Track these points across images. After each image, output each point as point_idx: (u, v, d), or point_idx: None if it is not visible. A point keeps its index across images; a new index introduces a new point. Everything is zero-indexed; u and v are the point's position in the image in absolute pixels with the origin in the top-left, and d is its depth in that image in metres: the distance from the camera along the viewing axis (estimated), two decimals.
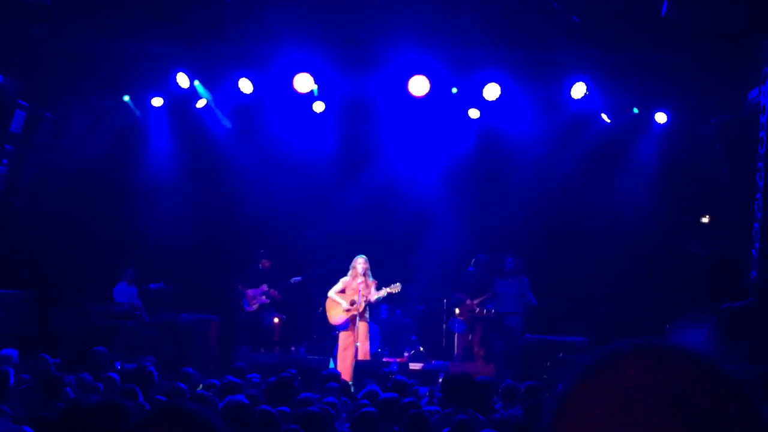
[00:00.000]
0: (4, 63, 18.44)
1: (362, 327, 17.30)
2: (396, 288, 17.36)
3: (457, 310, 19.55)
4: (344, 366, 16.87)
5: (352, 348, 17.12)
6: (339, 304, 17.42)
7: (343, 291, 17.48)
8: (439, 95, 19.43)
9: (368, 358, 17.47)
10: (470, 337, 19.51)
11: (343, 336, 17.46)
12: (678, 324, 16.51)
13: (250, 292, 20.26)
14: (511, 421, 9.04)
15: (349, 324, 17.29)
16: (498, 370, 17.39)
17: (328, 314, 17.73)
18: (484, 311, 19.29)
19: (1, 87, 18.61)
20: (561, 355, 17.32)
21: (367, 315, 17.51)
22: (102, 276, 19.73)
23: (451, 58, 18.59)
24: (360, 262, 17.37)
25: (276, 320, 20.16)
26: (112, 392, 10.09)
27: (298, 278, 20.42)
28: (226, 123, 21.22)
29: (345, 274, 17.58)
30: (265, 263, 20.45)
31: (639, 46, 17.77)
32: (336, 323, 17.56)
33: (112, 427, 3.76)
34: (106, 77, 19.38)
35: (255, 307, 20.23)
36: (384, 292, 17.31)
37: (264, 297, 20.26)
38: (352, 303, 17.16)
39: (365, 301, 17.22)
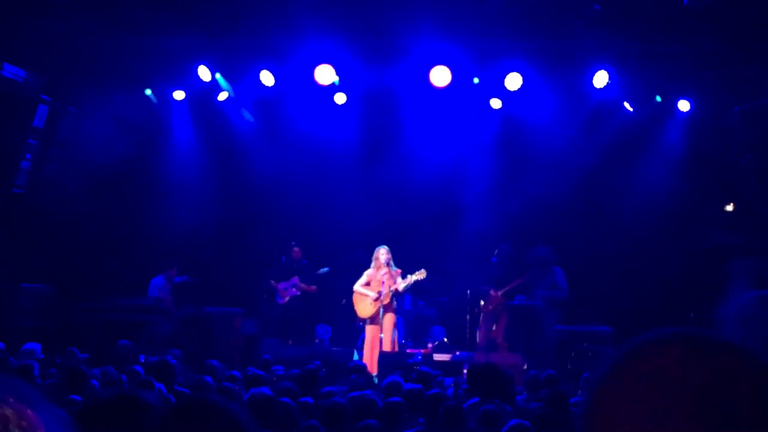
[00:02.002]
0: (26, 59, 18.50)
1: (389, 318, 17.29)
2: (421, 274, 17.30)
3: (482, 302, 19.51)
4: (370, 358, 16.86)
5: (378, 340, 17.12)
6: (366, 296, 17.40)
7: (368, 284, 17.46)
8: (460, 86, 19.38)
9: (395, 349, 17.45)
10: (494, 328, 19.47)
11: (369, 328, 17.46)
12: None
13: (281, 285, 20.33)
14: (536, 412, 9.02)
15: (375, 316, 17.28)
16: (523, 360, 17.39)
17: (356, 308, 17.73)
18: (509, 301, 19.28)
19: (24, 82, 18.67)
20: (585, 345, 17.25)
21: (394, 305, 17.49)
22: (126, 270, 19.78)
23: (472, 48, 18.52)
24: (382, 253, 17.35)
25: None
26: (132, 385, 10.11)
27: (326, 269, 20.47)
28: (249, 117, 21.23)
29: (368, 266, 17.56)
30: (297, 252, 20.53)
31: (661, 35, 17.67)
32: (365, 316, 17.54)
33: (131, 419, 3.76)
34: (128, 71, 19.40)
35: (286, 299, 20.30)
36: (411, 279, 17.26)
37: (294, 289, 20.32)
38: (379, 294, 17.14)
39: (392, 291, 17.21)
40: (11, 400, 1.39)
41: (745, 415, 1.37)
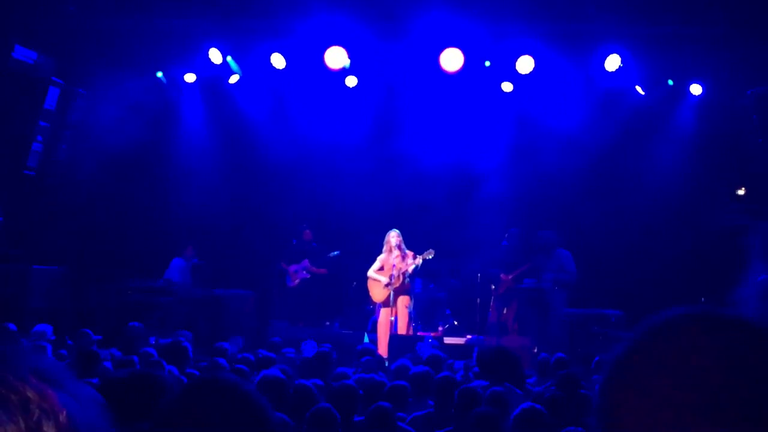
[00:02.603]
0: (38, 40, 18.51)
1: (402, 301, 17.35)
2: (430, 254, 17.35)
3: (492, 285, 19.51)
4: (382, 341, 16.90)
5: (389, 323, 17.16)
6: (379, 281, 17.44)
7: (381, 268, 17.51)
8: (472, 68, 19.34)
9: (410, 331, 17.48)
10: (505, 311, 19.47)
11: (382, 311, 17.51)
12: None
13: (292, 267, 20.37)
14: (546, 395, 9.03)
15: (388, 299, 17.32)
16: (533, 344, 17.40)
17: (370, 293, 17.78)
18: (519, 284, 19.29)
19: (36, 64, 18.68)
20: (596, 328, 17.25)
21: (407, 287, 17.53)
22: (137, 252, 19.82)
23: (484, 31, 18.47)
24: (393, 236, 17.40)
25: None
26: (144, 366, 10.13)
27: (336, 252, 20.50)
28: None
29: (379, 250, 17.60)
30: (308, 235, 20.57)
31: (674, 18, 17.61)
32: (379, 301, 17.60)
33: (147, 398, 3.77)
34: (139, 53, 19.39)
35: (296, 282, 20.34)
36: (419, 259, 17.31)
37: (305, 272, 20.35)
38: (391, 278, 17.19)
39: (401, 273, 17.24)
40: (33, 380, 1.39)
41: (765, 391, 1.37)
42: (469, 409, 7.96)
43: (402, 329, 17.19)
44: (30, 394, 1.36)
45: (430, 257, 17.41)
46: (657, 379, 1.42)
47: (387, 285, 17.24)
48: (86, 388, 1.52)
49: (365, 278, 17.91)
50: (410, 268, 17.34)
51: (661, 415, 1.39)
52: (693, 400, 1.37)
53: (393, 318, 17.20)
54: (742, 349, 1.40)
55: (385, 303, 17.37)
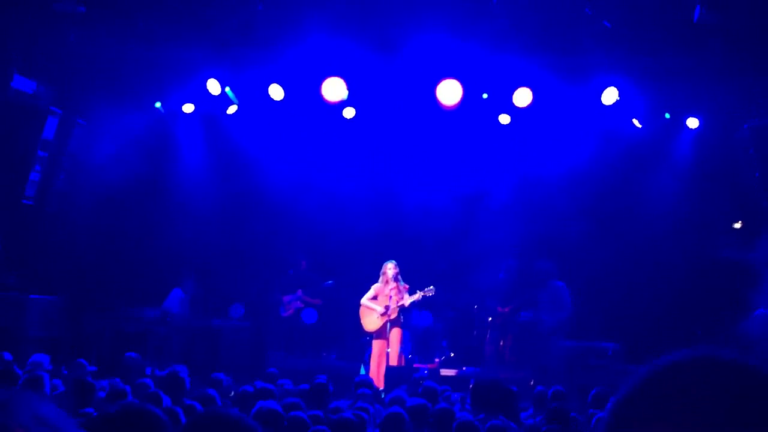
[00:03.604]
0: (37, 70, 18.55)
1: (395, 333, 17.32)
2: (430, 291, 17.34)
3: (489, 317, 19.50)
4: (377, 372, 16.86)
5: (385, 354, 17.13)
6: (373, 311, 17.43)
7: (375, 297, 17.49)
8: (470, 101, 19.37)
9: (402, 363, 17.45)
10: (501, 343, 19.46)
11: (376, 342, 17.47)
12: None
13: (286, 298, 20.35)
14: (542, 428, 9.02)
15: (382, 330, 17.29)
16: (530, 376, 17.37)
17: (362, 322, 17.75)
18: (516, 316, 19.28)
19: (35, 94, 18.71)
20: (593, 361, 17.23)
21: (401, 320, 17.51)
22: (134, 282, 19.81)
23: (481, 62, 18.52)
24: (390, 267, 17.40)
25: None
26: (140, 398, 10.11)
27: (330, 282, 20.49)
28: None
29: (375, 281, 17.59)
30: (303, 264, 20.57)
31: (671, 51, 17.68)
32: (371, 330, 17.57)
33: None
34: (138, 84, 19.46)
35: (291, 312, 20.32)
36: (418, 295, 17.30)
37: (299, 302, 20.34)
38: (386, 309, 17.17)
39: (399, 306, 17.23)
40: (36, 427, 1.39)
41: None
42: None
43: (395, 361, 17.15)
44: None
45: (431, 294, 17.41)
46: (658, 422, 1.43)
47: (382, 314, 17.22)
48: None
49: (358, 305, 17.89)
50: (407, 302, 17.32)
51: None
52: None
53: (388, 350, 17.18)
54: (743, 393, 1.41)
55: (379, 334, 17.34)
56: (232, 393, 12.00)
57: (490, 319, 19.45)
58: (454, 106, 19.12)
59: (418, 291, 17.31)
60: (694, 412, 1.41)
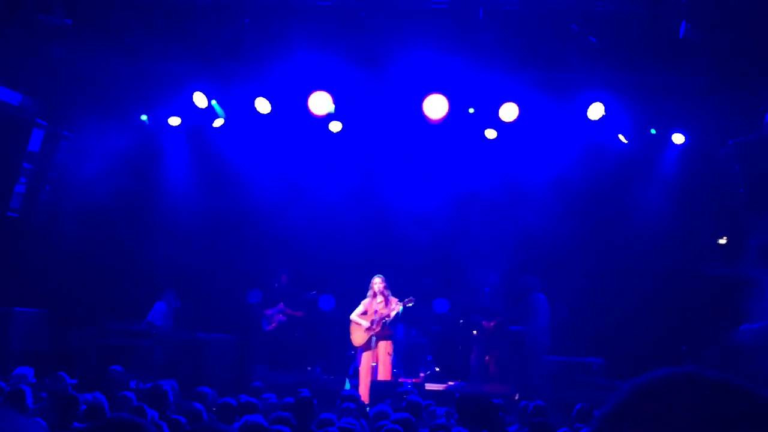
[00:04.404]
0: (23, 82, 18.54)
1: (382, 346, 17.34)
2: (410, 302, 17.45)
3: (474, 332, 19.51)
4: (363, 386, 16.86)
5: (370, 368, 17.13)
6: (360, 325, 17.46)
7: (365, 313, 17.52)
8: (456, 115, 19.39)
9: (389, 377, 17.44)
10: (487, 358, 19.47)
11: (363, 356, 17.48)
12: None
13: (268, 311, 20.32)
14: None
15: (369, 344, 17.30)
16: (515, 390, 17.38)
17: (351, 337, 17.77)
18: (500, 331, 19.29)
19: (20, 106, 18.70)
20: (577, 376, 17.25)
21: (389, 333, 17.52)
22: (119, 295, 19.75)
23: (468, 79, 18.55)
24: (377, 282, 17.44)
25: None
26: (124, 411, 10.06)
27: (313, 293, 20.48)
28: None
29: (362, 295, 17.61)
30: (284, 278, 20.55)
31: (656, 68, 17.74)
32: (358, 345, 17.59)
33: None
34: (124, 96, 19.45)
35: (273, 326, 20.29)
36: (399, 306, 17.33)
37: (281, 315, 20.31)
38: (372, 323, 17.19)
39: (380, 319, 17.24)
40: None
41: None
42: None
43: (382, 375, 17.15)
44: None
45: (411, 305, 17.47)
46: None
47: (367, 329, 17.24)
48: None
49: (347, 322, 17.88)
50: (392, 314, 17.35)
51: None
52: None
53: (374, 364, 17.18)
54: (726, 412, 1.42)
55: (366, 347, 17.34)
56: (215, 408, 11.96)
57: (475, 333, 19.45)
58: (440, 120, 19.14)
59: (398, 303, 17.36)
60: (676, 430, 1.41)
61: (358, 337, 17.58)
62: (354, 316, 17.65)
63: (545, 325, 18.63)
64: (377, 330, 17.23)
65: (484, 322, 19.33)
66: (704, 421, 1.41)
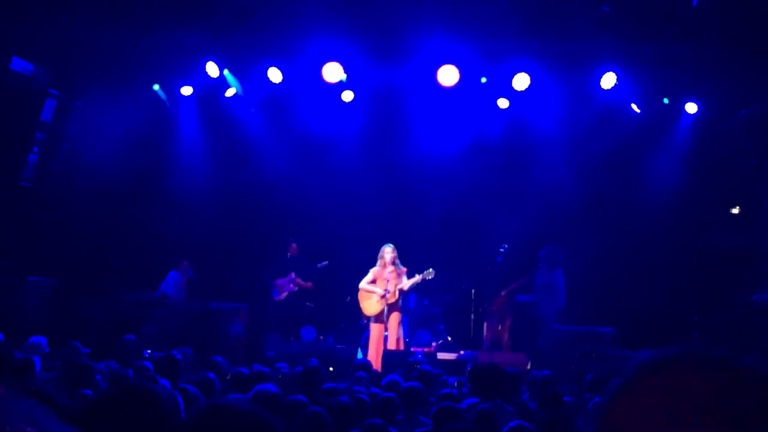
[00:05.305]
0: (35, 52, 18.52)
1: (394, 316, 17.29)
2: (430, 274, 17.28)
3: (486, 302, 19.51)
4: (375, 356, 16.85)
5: (383, 338, 17.13)
6: (371, 294, 17.37)
7: (373, 281, 17.45)
8: (468, 85, 19.36)
9: (401, 347, 17.44)
10: (499, 327, 19.47)
11: (374, 326, 17.44)
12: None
13: (279, 281, 20.33)
14: (536, 414, 9.03)
15: (380, 314, 17.27)
16: (527, 360, 17.38)
17: (361, 306, 17.70)
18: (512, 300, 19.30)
19: (32, 76, 18.69)
20: (588, 345, 17.24)
21: (399, 304, 17.49)
22: (131, 264, 19.79)
23: (480, 48, 18.50)
24: (387, 252, 17.34)
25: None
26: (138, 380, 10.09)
27: (325, 263, 20.47)
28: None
29: (373, 264, 17.56)
30: (294, 249, 20.53)
31: (670, 37, 17.64)
32: (370, 314, 17.53)
33: (142, 413, 3.74)
34: (137, 66, 19.42)
35: (284, 295, 20.30)
36: (418, 278, 17.25)
37: (292, 285, 20.32)
38: (386, 292, 17.13)
39: (398, 290, 17.20)
40: (27, 427, 1.39)
41: (751, 429, 1.39)
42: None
43: (393, 344, 17.15)
44: None
45: (430, 278, 17.36)
46: (648, 417, 1.44)
47: (382, 297, 17.15)
48: None
49: (357, 291, 17.87)
50: (405, 286, 17.28)
51: None
52: None
53: (385, 333, 17.17)
54: (731, 389, 1.43)
55: (377, 318, 17.31)
56: (229, 376, 12.00)
57: (487, 303, 19.46)
58: (452, 86, 19.12)
59: (417, 274, 17.27)
60: (682, 407, 1.42)
61: (368, 305, 17.51)
62: (363, 284, 17.58)
63: (563, 303, 18.63)
64: (392, 300, 17.18)
65: (496, 292, 19.31)
66: (711, 397, 1.42)
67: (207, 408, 2.60)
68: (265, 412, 2.52)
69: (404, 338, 18.13)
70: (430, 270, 17.30)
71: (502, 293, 19.25)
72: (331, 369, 16.69)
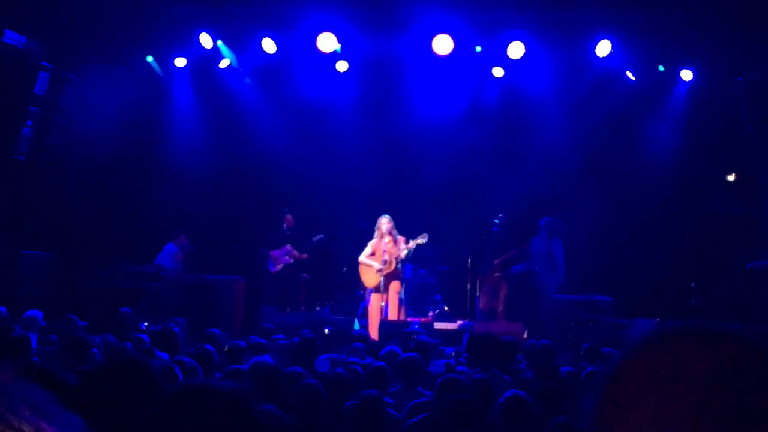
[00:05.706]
0: (27, 25, 18.44)
1: (393, 286, 17.30)
2: (423, 238, 17.33)
3: (483, 271, 19.51)
4: (373, 326, 16.87)
5: (380, 308, 17.14)
6: (371, 266, 17.40)
7: (372, 254, 17.46)
8: (463, 54, 19.34)
9: (402, 316, 17.46)
10: (495, 297, 19.47)
11: (373, 297, 17.46)
12: None
13: (274, 253, 20.30)
14: (532, 383, 9.03)
15: (380, 285, 17.28)
16: (523, 329, 17.40)
17: (362, 278, 17.74)
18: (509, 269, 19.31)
19: (25, 49, 18.62)
20: (586, 314, 17.26)
21: (399, 273, 17.50)
22: (127, 237, 19.78)
23: (474, 17, 18.46)
24: (384, 222, 17.35)
25: None
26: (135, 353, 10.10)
27: (321, 236, 20.42)
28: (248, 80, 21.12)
29: (370, 235, 17.57)
30: (289, 220, 20.47)
31: (665, 4, 17.62)
32: (371, 286, 17.56)
33: (136, 386, 3.74)
34: (130, 38, 19.37)
35: (279, 267, 20.27)
36: (412, 244, 17.29)
37: (287, 257, 20.29)
38: (384, 263, 17.15)
39: (393, 259, 17.22)
40: (27, 413, 1.37)
41: (751, 402, 1.38)
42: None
43: (393, 315, 17.17)
44: (25, 428, 1.35)
45: (423, 242, 17.39)
46: (648, 391, 1.43)
47: (379, 270, 17.19)
48: (73, 417, 1.50)
49: (356, 263, 17.88)
50: (403, 254, 17.31)
51: (652, 427, 1.41)
52: (683, 412, 1.39)
53: (384, 304, 17.18)
54: (732, 363, 1.42)
55: (376, 288, 17.33)
56: (226, 348, 12.01)
57: (482, 273, 19.46)
58: (447, 55, 19.10)
59: (410, 240, 17.31)
60: (683, 382, 1.41)
61: (369, 278, 17.54)
62: (363, 257, 17.59)
63: (563, 273, 18.67)
64: (389, 270, 17.20)
65: (492, 261, 19.32)
66: (711, 371, 1.41)
67: (180, 389, 2.59)
68: (241, 389, 2.51)
69: (403, 308, 18.11)
70: (424, 234, 17.34)
71: (495, 262, 19.25)
72: (326, 331, 16.78)
